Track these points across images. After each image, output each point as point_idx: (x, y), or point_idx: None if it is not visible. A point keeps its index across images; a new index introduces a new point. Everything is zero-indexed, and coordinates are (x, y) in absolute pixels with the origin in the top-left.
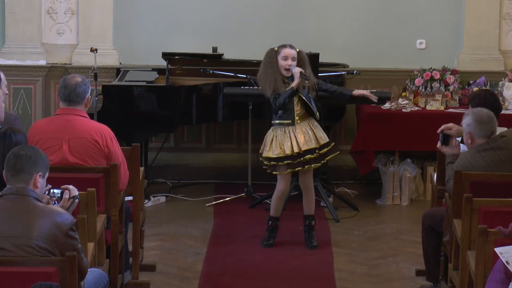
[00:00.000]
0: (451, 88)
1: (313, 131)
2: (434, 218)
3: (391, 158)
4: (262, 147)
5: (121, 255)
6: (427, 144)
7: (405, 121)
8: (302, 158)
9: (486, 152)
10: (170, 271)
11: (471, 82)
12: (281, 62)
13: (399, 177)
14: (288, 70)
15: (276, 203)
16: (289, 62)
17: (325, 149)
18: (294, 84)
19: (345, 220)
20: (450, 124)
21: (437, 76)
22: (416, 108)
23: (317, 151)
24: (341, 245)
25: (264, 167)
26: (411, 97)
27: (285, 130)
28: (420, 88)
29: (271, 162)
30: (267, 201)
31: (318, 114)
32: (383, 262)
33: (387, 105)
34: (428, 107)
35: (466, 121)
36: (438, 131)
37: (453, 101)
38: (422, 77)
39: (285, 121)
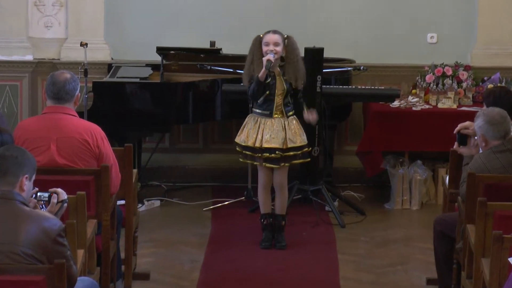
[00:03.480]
0: (464, 85)
1: (285, 131)
2: (446, 223)
3: (400, 160)
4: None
5: (113, 263)
6: (438, 144)
7: (415, 120)
8: (259, 154)
9: (501, 154)
10: (165, 279)
11: (485, 78)
12: (264, 48)
13: (408, 179)
14: None
15: (260, 197)
16: (271, 47)
17: (292, 153)
18: (260, 74)
19: (351, 225)
20: (467, 123)
21: (449, 72)
22: (427, 106)
23: (277, 152)
24: (347, 252)
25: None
26: (422, 95)
27: (257, 120)
28: (431, 85)
29: (237, 149)
30: None
31: (290, 114)
32: (391, 270)
33: (396, 103)
34: (440, 105)
35: (478, 123)
36: (454, 132)
37: (467, 98)
38: (434, 74)
39: (264, 112)
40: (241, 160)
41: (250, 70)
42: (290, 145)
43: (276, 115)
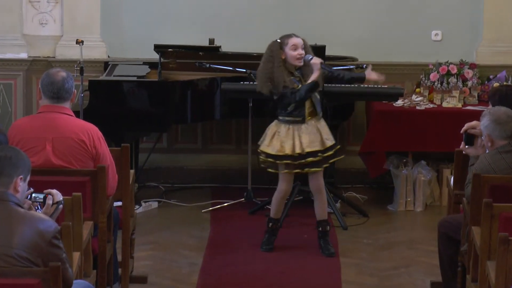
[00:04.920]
0: (469, 83)
1: (320, 132)
2: (451, 226)
3: (404, 160)
4: (261, 139)
5: (109, 266)
6: (443, 144)
7: (419, 119)
8: (303, 160)
9: (508, 154)
10: (163, 282)
11: (491, 77)
12: (292, 53)
13: (412, 180)
14: (299, 59)
15: (277, 204)
16: (300, 51)
17: (330, 152)
18: (314, 76)
19: (353, 227)
20: (474, 123)
21: (454, 71)
22: (431, 106)
23: (319, 154)
24: (349, 254)
25: (260, 161)
26: (426, 94)
27: (289, 127)
28: (436, 83)
29: (268, 159)
30: (269, 207)
31: (321, 114)
32: (395, 273)
33: (399, 102)
34: (445, 104)
35: (484, 122)
36: (461, 131)
37: (472, 97)
38: (438, 72)
39: (296, 118)
40: (267, 168)
41: (272, 77)
42: (327, 144)
43: (308, 118)
